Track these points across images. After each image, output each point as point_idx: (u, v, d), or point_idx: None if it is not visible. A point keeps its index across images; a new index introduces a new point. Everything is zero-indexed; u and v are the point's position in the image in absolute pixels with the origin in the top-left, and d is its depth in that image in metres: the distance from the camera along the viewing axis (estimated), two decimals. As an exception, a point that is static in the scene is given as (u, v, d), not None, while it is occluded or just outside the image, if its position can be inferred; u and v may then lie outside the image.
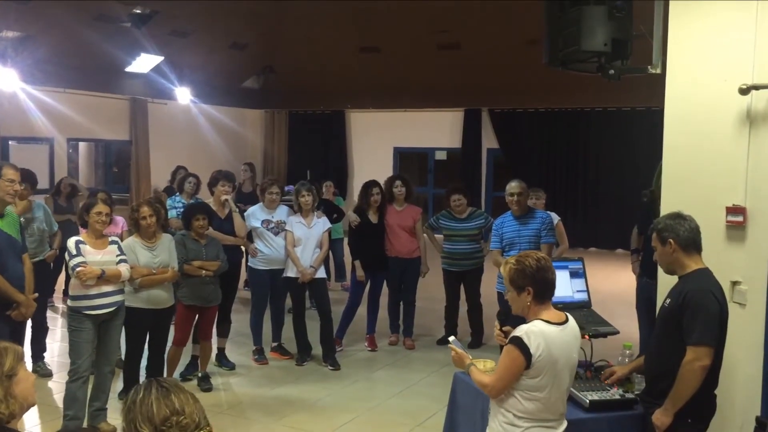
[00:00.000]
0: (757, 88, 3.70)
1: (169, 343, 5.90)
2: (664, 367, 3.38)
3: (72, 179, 9.67)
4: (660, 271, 3.73)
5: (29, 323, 5.68)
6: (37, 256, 6.29)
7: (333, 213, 7.81)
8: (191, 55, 13.65)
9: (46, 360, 6.52)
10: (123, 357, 5.72)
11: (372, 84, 14.68)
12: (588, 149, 14.65)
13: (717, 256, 3.70)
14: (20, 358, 2.41)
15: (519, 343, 2.98)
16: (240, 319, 7.53)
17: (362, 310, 7.48)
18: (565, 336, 3.07)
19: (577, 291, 4.31)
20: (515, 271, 3.08)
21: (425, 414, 5.62)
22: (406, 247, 7.37)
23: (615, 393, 3.62)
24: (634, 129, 13.65)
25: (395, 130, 16.12)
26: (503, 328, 3.36)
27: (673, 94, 4.13)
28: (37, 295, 4.98)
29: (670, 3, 4.09)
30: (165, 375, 5.77)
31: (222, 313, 6.55)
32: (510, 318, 3.36)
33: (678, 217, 3.46)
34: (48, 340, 6.69)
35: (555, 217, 6.81)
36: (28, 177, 6.71)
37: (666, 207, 4.05)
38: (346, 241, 8.93)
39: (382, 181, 7.56)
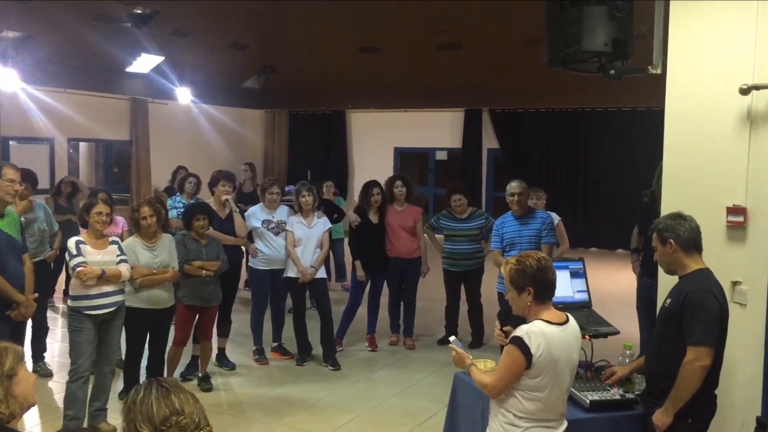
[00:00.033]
0: (757, 88, 3.70)
1: (170, 343, 5.90)
2: (665, 367, 3.38)
3: (72, 177, 9.68)
4: (660, 271, 3.73)
5: (29, 323, 5.69)
6: (38, 256, 6.30)
7: (333, 213, 7.81)
8: (192, 55, 13.65)
9: (46, 360, 6.53)
10: (123, 357, 5.72)
11: (372, 84, 14.68)
12: (588, 149, 14.65)
13: (717, 256, 3.70)
14: (20, 358, 2.41)
15: (519, 343, 2.98)
16: (240, 319, 7.53)
17: (362, 310, 7.48)
18: (566, 336, 3.07)
19: (578, 291, 4.31)
20: (516, 271, 3.08)
21: (425, 414, 5.62)
22: (406, 247, 7.37)
23: (615, 393, 3.62)
24: (635, 129, 13.64)
25: (396, 130, 16.12)
26: (504, 328, 3.36)
27: (674, 94, 4.13)
28: (37, 295, 4.98)
29: (671, 3, 4.08)
30: (165, 375, 5.77)
31: (222, 313, 6.55)
32: (510, 318, 3.35)
33: (678, 217, 3.46)
34: (48, 340, 6.69)
35: (555, 217, 6.81)
36: (28, 177, 6.72)
37: (666, 207, 4.05)
38: (346, 241, 8.93)
39: (382, 181, 7.56)
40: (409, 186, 7.57)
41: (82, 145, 14.50)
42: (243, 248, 7.18)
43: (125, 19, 11.44)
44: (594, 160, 14.60)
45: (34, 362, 6.33)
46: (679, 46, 4.10)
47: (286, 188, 8.71)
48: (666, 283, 3.76)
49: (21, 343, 4.75)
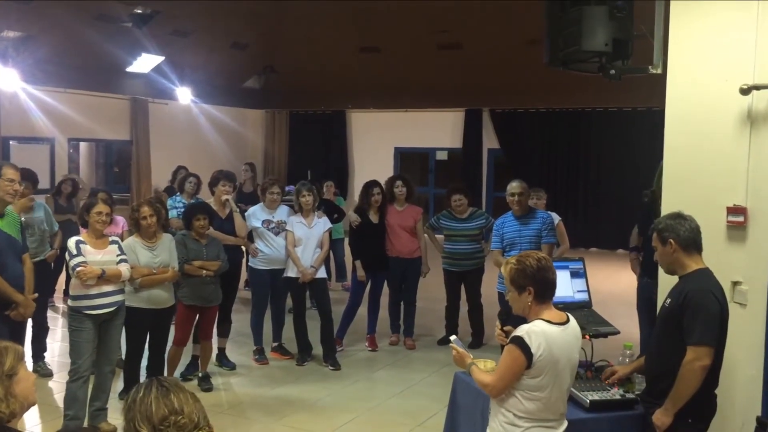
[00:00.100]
0: (757, 88, 3.70)
1: (170, 343, 5.90)
2: (665, 367, 3.38)
3: (73, 175, 9.69)
4: (660, 271, 3.73)
5: (30, 323, 5.69)
6: (38, 256, 6.30)
7: (334, 213, 7.81)
8: (192, 55, 13.65)
9: (46, 360, 6.53)
10: (123, 357, 5.72)
11: (372, 84, 14.69)
12: (589, 149, 14.65)
13: (717, 256, 3.70)
14: (20, 357, 2.41)
15: (520, 342, 2.98)
16: (240, 319, 7.53)
17: (363, 310, 7.48)
18: (566, 336, 3.07)
19: (578, 291, 4.31)
20: (516, 271, 3.08)
21: (426, 414, 5.62)
22: (406, 247, 7.37)
23: (615, 393, 3.62)
24: (635, 129, 13.64)
25: (396, 130, 16.12)
26: (504, 328, 3.36)
27: (674, 94, 4.13)
28: (36, 295, 4.98)
29: (671, 3, 4.08)
30: (165, 375, 5.77)
31: (222, 313, 6.55)
32: (511, 318, 3.35)
33: (678, 217, 3.46)
34: (48, 340, 6.69)
35: (556, 217, 6.81)
36: (28, 176, 6.72)
37: (667, 207, 4.05)
38: (346, 241, 8.93)
39: (382, 181, 7.56)
40: (410, 186, 7.56)
41: (83, 145, 14.51)
42: (243, 248, 7.18)
43: (126, 19, 11.45)
44: (594, 160, 14.60)
45: (34, 362, 6.33)
46: (679, 46, 4.10)
47: (287, 188, 8.71)
48: (666, 283, 3.76)
49: (21, 342, 4.75)
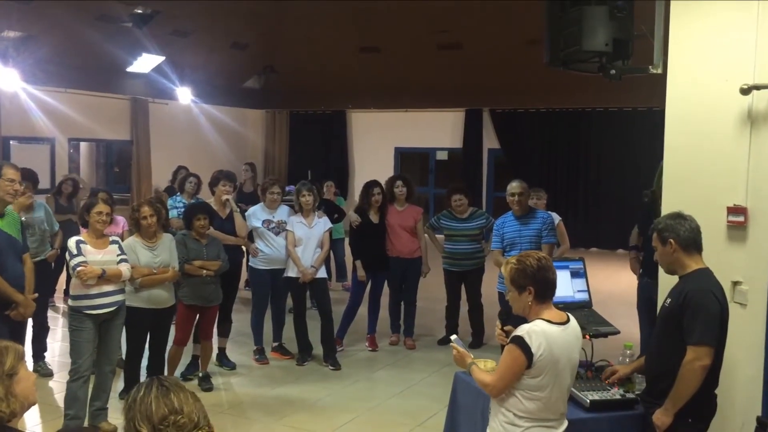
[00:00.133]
0: (758, 88, 3.71)
1: (170, 343, 5.90)
2: (665, 367, 3.38)
3: (73, 175, 9.69)
4: (661, 271, 3.73)
5: (30, 323, 5.69)
6: (39, 256, 6.30)
7: (334, 213, 7.81)
8: (192, 55, 13.65)
9: (47, 359, 6.53)
10: (124, 356, 5.72)
11: (372, 84, 14.69)
12: (589, 149, 14.65)
13: (718, 256, 3.70)
14: (21, 357, 2.41)
15: (520, 342, 2.98)
16: (241, 318, 7.53)
17: (363, 310, 7.48)
18: (567, 336, 3.07)
19: (578, 291, 4.31)
20: (516, 271, 3.08)
21: (426, 414, 5.62)
22: (407, 247, 7.37)
23: (616, 393, 3.62)
24: (635, 129, 13.64)
25: (396, 130, 16.12)
26: (504, 328, 3.36)
27: (674, 94, 4.13)
28: (36, 295, 4.98)
29: (671, 3, 4.08)
30: (165, 374, 5.77)
31: (223, 313, 6.55)
32: (511, 318, 3.35)
33: (678, 217, 3.47)
34: (49, 340, 6.70)
35: (556, 217, 6.81)
36: (29, 176, 6.72)
37: (667, 207, 4.05)
38: (347, 241, 8.93)
39: (383, 181, 7.56)
40: (410, 186, 7.57)
41: (83, 145, 14.51)
42: (243, 248, 7.18)
43: (126, 19, 11.45)
44: (594, 160, 14.60)
45: (34, 362, 6.34)
46: (679, 46, 4.10)
47: (287, 188, 8.72)
48: (666, 283, 3.76)
49: (21, 342, 4.75)
